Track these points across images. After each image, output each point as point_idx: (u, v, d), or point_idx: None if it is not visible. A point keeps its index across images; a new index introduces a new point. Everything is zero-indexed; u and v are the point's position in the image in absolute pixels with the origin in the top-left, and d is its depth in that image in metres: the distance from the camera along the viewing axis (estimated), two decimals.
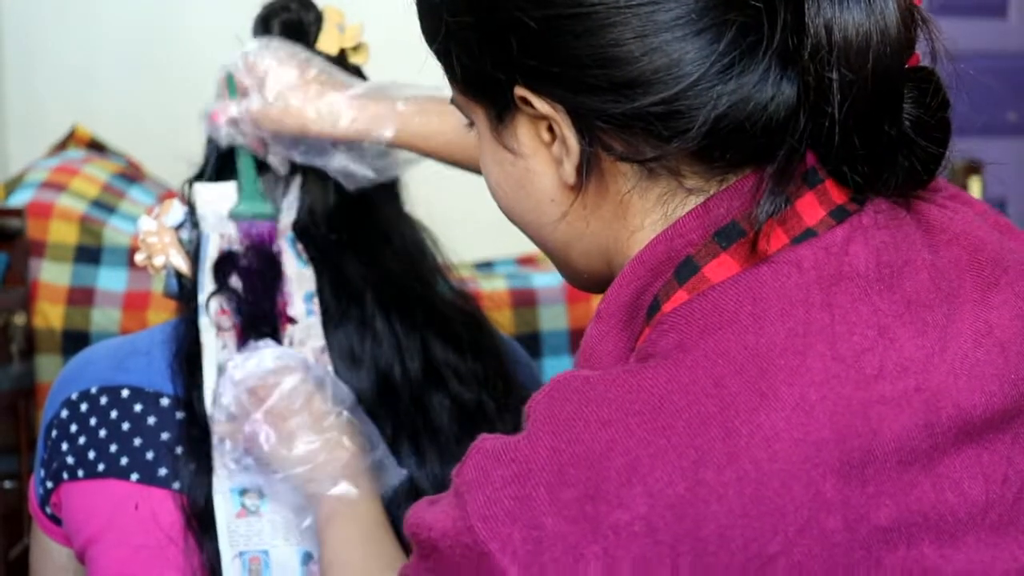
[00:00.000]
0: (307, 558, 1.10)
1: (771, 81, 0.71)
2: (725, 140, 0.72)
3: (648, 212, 0.77)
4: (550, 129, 0.77)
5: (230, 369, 1.09)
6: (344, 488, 1.06)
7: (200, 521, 1.10)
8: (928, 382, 0.70)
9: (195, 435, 1.11)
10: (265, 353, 1.10)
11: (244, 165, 1.19)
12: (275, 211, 1.18)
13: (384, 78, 1.20)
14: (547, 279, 2.43)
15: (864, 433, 0.68)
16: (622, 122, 0.73)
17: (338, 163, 1.17)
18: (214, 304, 1.14)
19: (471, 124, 0.84)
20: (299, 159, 1.18)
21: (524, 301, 2.34)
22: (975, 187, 2.44)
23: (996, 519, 0.71)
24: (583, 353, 0.78)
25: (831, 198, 0.74)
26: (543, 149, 0.78)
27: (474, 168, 1.16)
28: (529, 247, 2.64)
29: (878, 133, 0.73)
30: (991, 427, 0.72)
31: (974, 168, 2.35)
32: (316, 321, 1.15)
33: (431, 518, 0.72)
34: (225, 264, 1.15)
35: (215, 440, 1.09)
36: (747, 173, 0.74)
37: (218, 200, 1.18)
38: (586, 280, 0.85)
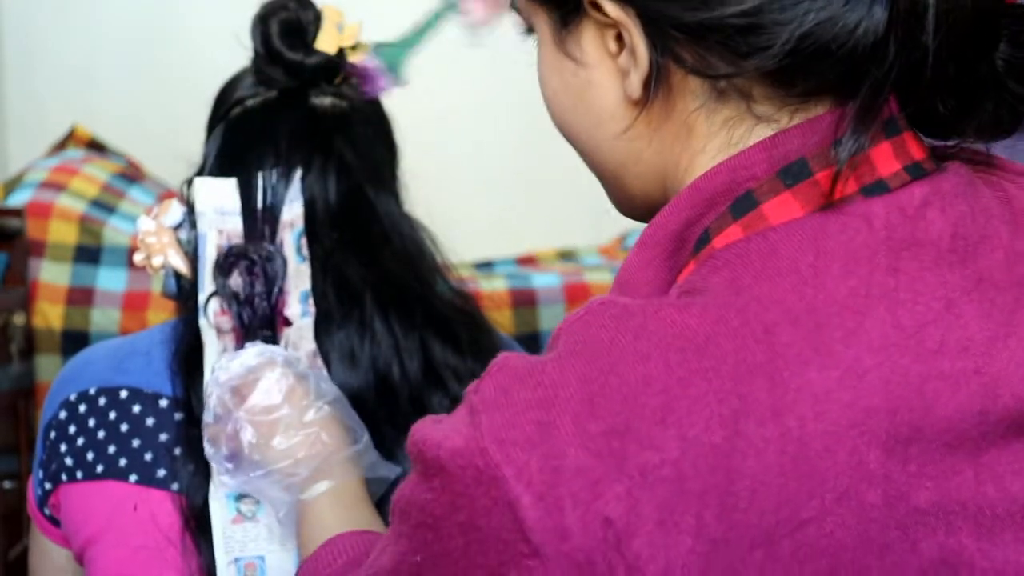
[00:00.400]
0: None
1: (863, 2, 0.67)
2: (806, 64, 0.68)
3: (712, 136, 0.72)
4: (618, 38, 0.72)
5: (216, 371, 1.09)
6: (323, 486, 1.03)
7: (198, 523, 1.10)
8: (988, 366, 0.66)
9: (193, 436, 1.11)
10: (247, 352, 1.09)
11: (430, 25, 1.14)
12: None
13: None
14: (547, 279, 2.43)
15: (917, 408, 0.64)
16: (698, 33, 0.69)
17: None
18: (214, 305, 1.14)
19: (529, 30, 0.79)
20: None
21: (524, 301, 2.34)
22: None
23: None
24: (619, 281, 0.73)
25: (909, 152, 0.71)
26: (608, 59, 0.73)
27: None
28: (529, 247, 2.64)
29: (970, 70, 0.69)
30: None
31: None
32: (310, 323, 1.15)
33: (440, 435, 0.66)
34: (229, 260, 1.15)
35: (205, 445, 1.09)
36: (822, 111, 0.70)
37: (218, 196, 1.17)
38: (639, 206, 0.79)
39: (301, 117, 1.19)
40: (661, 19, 0.70)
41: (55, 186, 2.45)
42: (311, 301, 1.15)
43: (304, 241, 1.16)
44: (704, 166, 0.72)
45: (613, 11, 0.71)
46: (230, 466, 1.06)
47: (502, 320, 2.25)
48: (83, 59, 3.16)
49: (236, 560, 1.09)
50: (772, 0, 0.67)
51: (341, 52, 1.21)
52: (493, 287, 2.33)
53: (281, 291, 1.15)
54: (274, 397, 1.05)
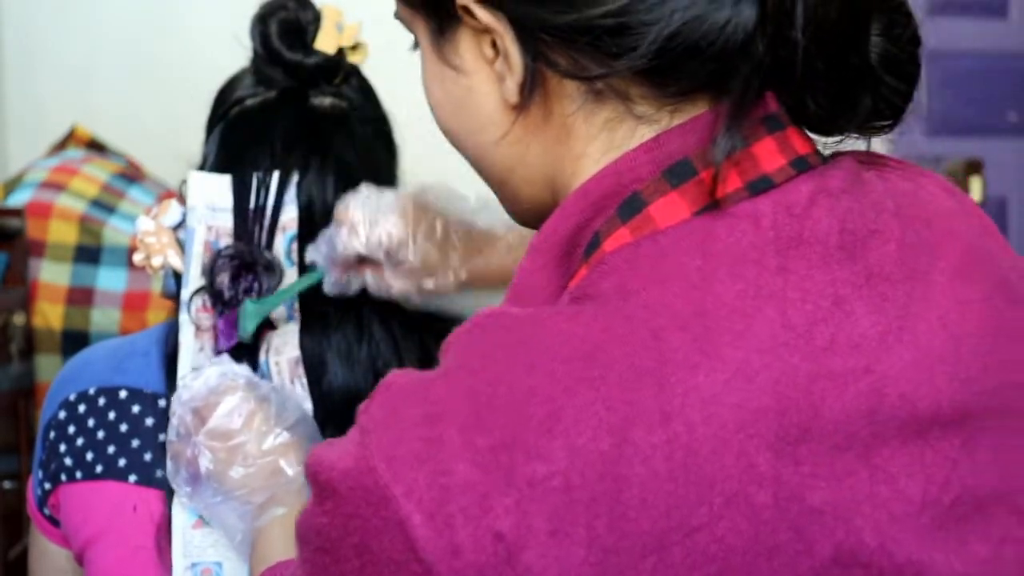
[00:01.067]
0: None
1: (729, 0, 0.67)
2: (677, 62, 0.68)
3: (593, 138, 0.72)
4: (493, 45, 0.72)
5: (180, 388, 1.07)
6: (277, 511, 1.01)
7: (168, 525, 1.10)
8: (878, 364, 0.66)
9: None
10: (210, 371, 1.06)
11: (300, 287, 1.14)
12: (249, 339, 1.14)
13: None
14: None
15: (804, 408, 0.64)
16: (567, 35, 0.69)
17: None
18: (197, 301, 1.14)
19: (416, 44, 0.79)
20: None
21: None
22: (975, 187, 2.44)
23: (929, 523, 0.66)
24: (512, 287, 0.73)
25: (793, 147, 0.71)
26: (486, 66, 0.74)
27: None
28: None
29: (842, 64, 0.69)
30: (938, 424, 0.67)
31: (974, 168, 2.35)
32: (294, 328, 1.14)
33: (332, 456, 0.66)
34: (222, 261, 1.15)
35: (168, 464, 1.08)
36: (703, 110, 0.70)
37: (211, 191, 1.17)
38: (529, 212, 0.79)
39: (300, 117, 1.19)
40: (530, 23, 0.70)
41: (55, 186, 2.45)
42: (296, 306, 1.15)
43: (295, 246, 1.16)
44: (589, 169, 0.72)
45: (484, 17, 0.71)
46: (188, 489, 1.05)
47: None
48: (83, 59, 3.16)
49: (193, 565, 1.08)
50: (638, 0, 0.67)
51: (341, 52, 1.20)
52: None
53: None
54: (234, 422, 1.03)
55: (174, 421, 1.05)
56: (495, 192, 0.81)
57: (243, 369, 1.08)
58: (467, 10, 0.72)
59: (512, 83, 0.72)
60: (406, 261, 1.10)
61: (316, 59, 1.19)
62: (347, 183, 1.18)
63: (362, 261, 1.12)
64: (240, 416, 1.03)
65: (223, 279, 1.14)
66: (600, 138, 0.72)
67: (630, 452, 0.62)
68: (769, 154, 0.70)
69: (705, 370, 0.63)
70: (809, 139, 0.72)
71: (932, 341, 0.68)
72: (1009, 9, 3.10)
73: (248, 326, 1.12)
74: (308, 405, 1.13)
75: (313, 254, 1.13)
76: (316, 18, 1.20)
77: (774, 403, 0.64)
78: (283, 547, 0.99)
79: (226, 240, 1.16)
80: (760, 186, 0.69)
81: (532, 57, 0.71)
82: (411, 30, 0.79)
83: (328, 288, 1.13)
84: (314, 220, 1.17)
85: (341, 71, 1.21)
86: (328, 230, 1.13)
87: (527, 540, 0.62)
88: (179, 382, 1.11)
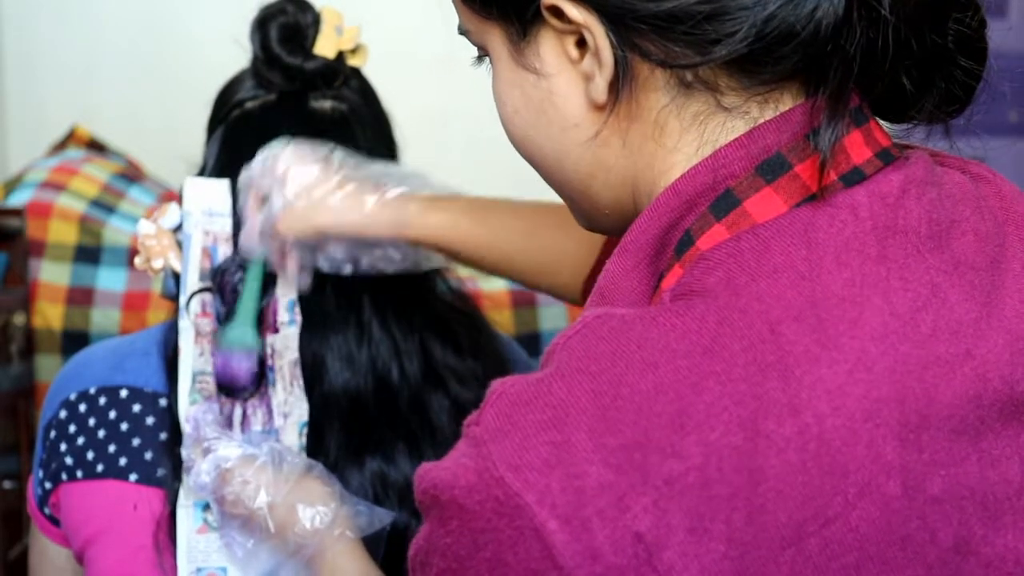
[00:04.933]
0: None
1: None
2: (771, 48, 0.67)
3: (684, 132, 0.71)
4: (579, 44, 0.71)
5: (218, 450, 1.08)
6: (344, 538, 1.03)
7: (170, 525, 1.10)
8: (977, 348, 0.67)
9: (171, 437, 1.12)
10: (231, 446, 1.08)
11: (251, 282, 1.14)
12: (260, 345, 1.13)
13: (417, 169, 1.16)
14: None
15: (920, 396, 0.65)
16: (664, 23, 0.68)
17: (368, 261, 1.13)
18: (195, 306, 1.14)
19: (481, 56, 0.78)
20: (326, 267, 1.14)
21: (524, 301, 2.33)
22: None
23: None
24: (600, 290, 0.72)
25: (877, 139, 0.71)
26: (569, 67, 0.72)
27: (496, 270, 1.15)
28: None
29: (927, 46, 0.70)
30: None
31: None
32: (295, 332, 1.14)
33: (448, 476, 0.64)
34: (220, 275, 1.15)
35: (185, 463, 1.09)
36: (790, 103, 0.70)
37: (208, 195, 1.17)
38: (608, 220, 0.78)
39: (300, 121, 1.19)
40: (624, 14, 0.69)
41: (55, 186, 2.45)
42: (297, 310, 1.15)
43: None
44: (680, 164, 0.71)
45: (576, 14, 0.70)
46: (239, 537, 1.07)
47: (502, 320, 2.25)
48: (83, 59, 3.16)
49: (199, 570, 1.09)
50: None
51: (340, 55, 1.21)
52: (493, 287, 2.33)
53: (272, 298, 1.15)
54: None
55: (205, 479, 1.07)
56: (568, 201, 0.79)
57: (263, 446, 1.09)
58: (555, 10, 0.70)
59: (601, 80, 0.71)
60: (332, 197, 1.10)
61: (316, 63, 1.19)
62: None
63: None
64: (245, 497, 1.04)
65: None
66: (692, 132, 0.71)
67: (764, 445, 0.62)
68: (857, 146, 0.70)
69: (827, 362, 0.64)
70: (886, 132, 0.72)
71: (1019, 324, 0.69)
72: (1009, 9, 3.11)
73: (244, 338, 1.12)
74: (305, 406, 1.13)
75: (245, 242, 1.14)
76: (316, 21, 1.20)
77: (894, 392, 0.64)
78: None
79: (224, 245, 1.16)
80: (853, 178, 0.69)
81: (624, 50, 0.70)
82: (478, 41, 0.77)
83: (277, 268, 1.13)
84: None
85: (341, 74, 1.21)
86: (245, 209, 1.13)
87: (667, 539, 0.61)
88: (180, 382, 1.11)
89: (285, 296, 1.15)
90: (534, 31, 0.73)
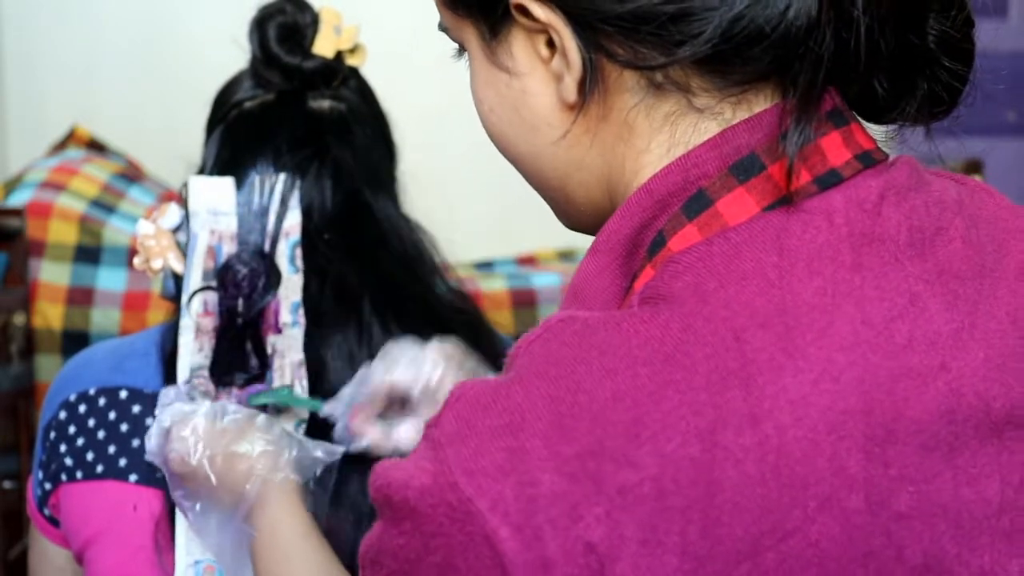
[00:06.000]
0: None
1: None
2: (740, 48, 0.67)
3: (655, 133, 0.70)
4: (549, 44, 0.71)
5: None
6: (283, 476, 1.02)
7: (170, 522, 1.10)
8: (954, 361, 0.65)
9: None
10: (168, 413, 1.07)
11: (302, 404, 1.13)
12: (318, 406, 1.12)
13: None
14: (547, 279, 2.43)
15: (888, 409, 0.63)
16: (629, 24, 0.67)
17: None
18: (197, 304, 1.14)
19: (460, 52, 0.77)
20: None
21: (524, 301, 2.33)
22: None
23: (1008, 525, 0.66)
24: (573, 289, 0.71)
25: (858, 142, 0.70)
26: (541, 66, 0.71)
27: None
28: (529, 247, 2.63)
29: (903, 47, 0.68)
30: (1011, 424, 0.67)
31: (974, 168, 2.35)
32: (299, 333, 1.15)
33: (403, 475, 0.63)
34: (224, 272, 1.15)
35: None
36: (766, 104, 0.69)
37: (212, 195, 1.17)
38: (587, 218, 0.77)
39: (299, 120, 1.19)
40: (590, 15, 0.68)
41: (55, 186, 2.45)
42: (301, 312, 1.15)
43: (299, 251, 1.16)
44: (652, 165, 0.71)
45: (541, 14, 0.69)
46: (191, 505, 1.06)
47: (502, 320, 2.25)
48: (83, 59, 3.16)
49: (196, 563, 1.09)
50: None
51: (339, 55, 1.20)
52: (493, 287, 2.33)
53: (275, 298, 1.15)
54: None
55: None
56: (548, 199, 0.79)
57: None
58: (522, 9, 0.70)
59: (571, 80, 0.70)
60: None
61: (314, 63, 1.19)
62: (345, 186, 1.18)
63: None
64: (185, 453, 1.04)
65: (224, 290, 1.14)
66: (663, 132, 0.70)
67: (721, 456, 0.60)
68: (836, 148, 0.69)
69: (791, 371, 0.62)
70: (870, 135, 0.71)
71: (1004, 339, 0.67)
72: (1009, 9, 3.10)
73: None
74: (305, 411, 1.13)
75: (331, 407, 1.10)
76: (314, 21, 1.20)
77: (860, 404, 0.63)
78: (271, 560, 1.00)
79: (229, 244, 1.16)
80: (829, 180, 0.68)
81: (591, 51, 0.69)
82: (456, 38, 0.77)
83: (337, 434, 1.11)
84: (314, 222, 1.17)
85: (339, 74, 1.21)
86: (359, 373, 1.10)
87: (619, 550, 0.60)
88: (179, 379, 1.11)
89: (288, 299, 1.15)
90: (505, 30, 0.72)
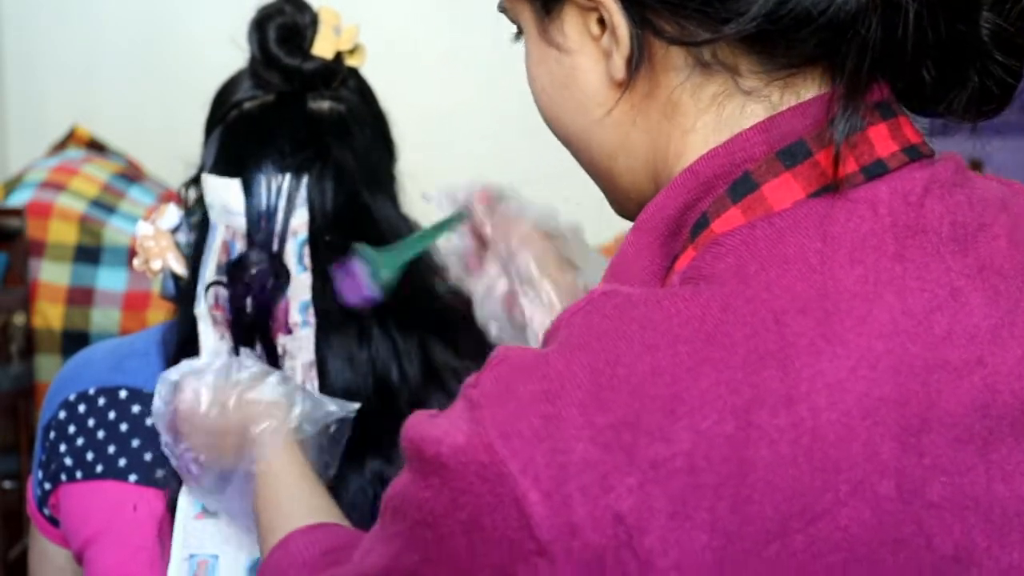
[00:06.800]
0: (256, 566, 1.09)
1: None
2: (787, 30, 0.67)
3: (701, 113, 0.71)
4: (600, 21, 0.71)
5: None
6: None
7: (171, 518, 1.10)
8: (991, 357, 0.65)
9: None
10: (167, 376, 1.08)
11: (430, 232, 1.10)
12: (385, 284, 1.09)
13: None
14: None
15: (923, 399, 0.63)
16: (676, 1, 0.68)
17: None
18: (210, 298, 1.14)
19: (518, 35, 0.78)
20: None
21: None
22: None
23: None
24: (613, 268, 0.71)
25: (905, 135, 0.69)
26: (591, 43, 0.72)
27: None
28: None
29: (953, 37, 0.68)
30: None
31: (974, 168, 2.35)
32: (309, 333, 1.14)
33: (439, 431, 0.64)
34: (236, 270, 1.15)
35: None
36: (813, 90, 0.69)
37: (224, 194, 1.17)
38: (631, 203, 0.76)
39: (299, 121, 1.19)
40: None
41: (55, 186, 2.45)
42: (311, 311, 1.15)
43: (307, 250, 1.16)
44: (697, 146, 0.71)
45: None
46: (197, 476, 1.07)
47: None
48: (83, 59, 3.16)
49: (191, 556, 1.09)
50: None
51: (339, 55, 1.20)
52: None
53: (284, 298, 1.15)
54: (198, 404, 1.06)
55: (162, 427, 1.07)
56: (598, 183, 0.79)
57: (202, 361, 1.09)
58: None
59: (619, 58, 0.71)
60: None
61: (314, 64, 1.19)
62: (345, 187, 1.18)
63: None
64: (194, 404, 1.05)
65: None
66: (709, 113, 0.71)
67: (755, 435, 0.61)
68: (883, 139, 0.69)
69: (829, 356, 0.62)
70: (919, 130, 0.71)
71: None
72: None
73: (385, 275, 1.09)
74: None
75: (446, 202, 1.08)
76: (314, 21, 1.19)
77: (896, 392, 0.63)
78: (270, 502, 1.00)
79: (241, 241, 1.16)
80: (875, 171, 0.68)
81: (639, 27, 0.70)
82: (513, 18, 0.78)
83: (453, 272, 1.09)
84: (315, 223, 1.17)
85: (339, 74, 1.21)
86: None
87: (648, 522, 0.60)
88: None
89: (297, 298, 1.15)
90: (559, 7, 0.73)
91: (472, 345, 1.20)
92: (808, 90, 0.70)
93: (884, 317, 0.64)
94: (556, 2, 0.73)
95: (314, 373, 1.13)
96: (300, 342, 1.14)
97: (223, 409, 1.04)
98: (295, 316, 1.15)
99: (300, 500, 1.00)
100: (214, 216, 1.16)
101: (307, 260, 1.16)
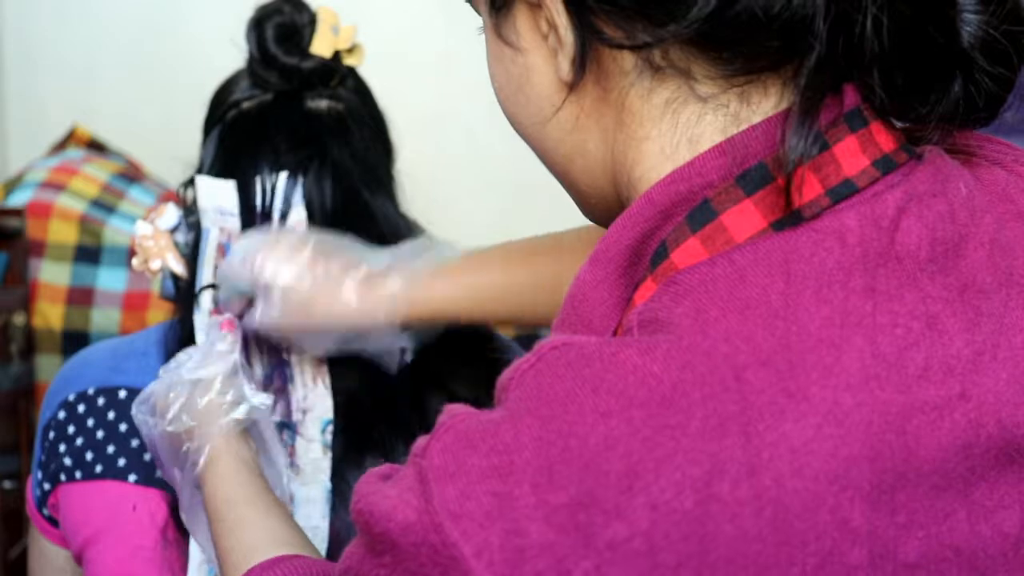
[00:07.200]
0: None
1: None
2: (736, 33, 0.63)
3: (656, 120, 0.67)
4: (548, 19, 0.68)
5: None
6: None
7: (176, 522, 1.10)
8: (974, 387, 0.62)
9: None
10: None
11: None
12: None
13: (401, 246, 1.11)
14: None
15: (899, 450, 0.59)
16: (617, 2, 0.64)
17: (384, 344, 1.10)
18: (208, 301, 1.15)
19: (482, 29, 0.75)
20: (334, 350, 1.11)
21: None
22: None
23: None
24: (572, 299, 0.67)
25: (877, 144, 0.65)
26: (542, 43, 0.69)
27: (525, 320, 1.09)
28: None
29: (922, 42, 0.63)
30: None
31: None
32: (327, 465, 1.15)
33: (387, 506, 0.61)
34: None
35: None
36: (773, 99, 0.65)
37: (218, 196, 1.18)
38: (595, 207, 0.74)
39: (297, 121, 1.19)
40: None
41: (55, 186, 2.45)
42: (330, 428, 1.15)
43: None
44: (653, 155, 0.67)
45: None
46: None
47: None
48: (83, 59, 3.17)
49: (210, 560, 1.09)
50: None
51: (337, 55, 1.20)
52: None
53: None
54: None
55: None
56: (563, 185, 0.76)
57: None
58: None
59: (564, 58, 0.68)
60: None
61: (312, 63, 1.19)
62: (344, 186, 1.18)
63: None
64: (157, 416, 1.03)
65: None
66: (664, 120, 0.67)
67: (716, 509, 0.57)
68: (851, 155, 0.64)
69: (793, 415, 0.58)
70: (896, 132, 0.66)
71: None
72: None
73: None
74: (329, 403, 1.14)
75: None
76: (312, 21, 1.20)
77: (867, 449, 0.59)
78: (213, 513, 0.97)
79: (236, 242, 1.16)
80: (842, 192, 0.63)
81: (584, 28, 0.67)
82: (476, 10, 0.75)
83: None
84: (314, 222, 1.18)
85: (337, 74, 1.21)
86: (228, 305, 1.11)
87: None
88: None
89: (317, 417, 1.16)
90: (510, 5, 0.70)
91: (469, 343, 1.20)
92: (768, 99, 0.66)
93: (853, 365, 0.60)
94: (507, 1, 0.71)
95: (325, 369, 1.14)
96: None
97: (171, 422, 1.02)
98: (313, 432, 1.15)
99: (243, 522, 0.96)
100: (206, 221, 1.16)
101: None
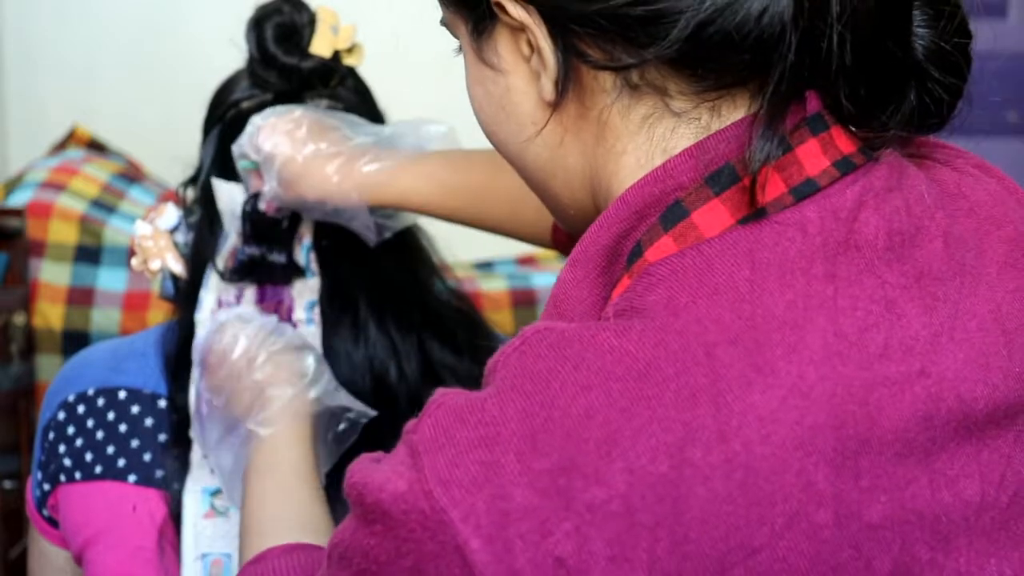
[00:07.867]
0: None
1: None
2: (711, 53, 0.67)
3: (632, 135, 0.71)
4: (529, 42, 0.72)
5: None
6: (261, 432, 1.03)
7: (177, 519, 1.10)
8: (933, 365, 0.65)
9: (179, 432, 1.12)
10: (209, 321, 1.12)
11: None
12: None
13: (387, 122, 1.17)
14: (547, 279, 2.43)
15: (862, 420, 0.63)
16: (598, 25, 0.68)
17: (361, 221, 1.15)
18: (212, 302, 1.15)
19: (460, 48, 0.78)
20: (329, 219, 1.16)
21: (524, 301, 2.33)
22: None
23: (988, 523, 0.66)
24: (553, 300, 0.72)
25: (837, 147, 0.69)
26: (523, 64, 0.73)
27: (479, 223, 1.14)
28: (529, 247, 2.66)
29: (882, 55, 0.68)
30: (992, 422, 0.67)
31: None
32: (315, 331, 1.15)
33: (380, 478, 0.65)
34: (246, 271, 1.15)
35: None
36: (743, 110, 0.69)
37: (232, 198, 1.18)
38: (573, 218, 0.78)
39: None
40: (561, 14, 0.69)
41: (55, 186, 2.45)
42: (317, 311, 1.15)
43: (313, 256, 1.17)
44: (631, 168, 0.71)
45: (516, 12, 0.70)
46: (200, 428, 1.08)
47: (502, 320, 2.25)
48: (83, 59, 3.16)
49: (204, 556, 1.09)
50: None
51: (336, 55, 1.21)
52: (493, 287, 2.33)
53: (289, 297, 1.16)
54: (223, 354, 1.08)
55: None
56: (543, 200, 0.80)
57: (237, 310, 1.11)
58: (500, 6, 0.71)
59: (547, 80, 0.71)
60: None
61: (311, 63, 1.19)
62: None
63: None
64: (228, 348, 1.06)
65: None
66: (640, 135, 0.71)
67: (689, 473, 0.61)
68: (813, 156, 0.68)
69: (760, 387, 0.63)
70: (855, 136, 0.70)
71: (985, 337, 0.68)
72: (1009, 9, 3.10)
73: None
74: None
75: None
76: (311, 21, 1.20)
77: (829, 418, 0.63)
78: (265, 469, 1.00)
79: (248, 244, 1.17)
80: (805, 190, 0.68)
81: (564, 50, 0.70)
82: (454, 34, 0.78)
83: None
84: (318, 225, 1.18)
85: (337, 74, 1.21)
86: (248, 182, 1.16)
87: (588, 566, 0.61)
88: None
89: (303, 297, 1.16)
90: (490, 27, 0.73)
91: (469, 343, 1.20)
92: (737, 111, 0.70)
93: (816, 343, 0.64)
94: (489, 22, 0.73)
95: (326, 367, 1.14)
96: (305, 339, 1.15)
97: (250, 362, 1.05)
98: (299, 313, 1.15)
99: (290, 493, 1.00)
100: (226, 223, 1.17)
101: (314, 266, 1.17)
